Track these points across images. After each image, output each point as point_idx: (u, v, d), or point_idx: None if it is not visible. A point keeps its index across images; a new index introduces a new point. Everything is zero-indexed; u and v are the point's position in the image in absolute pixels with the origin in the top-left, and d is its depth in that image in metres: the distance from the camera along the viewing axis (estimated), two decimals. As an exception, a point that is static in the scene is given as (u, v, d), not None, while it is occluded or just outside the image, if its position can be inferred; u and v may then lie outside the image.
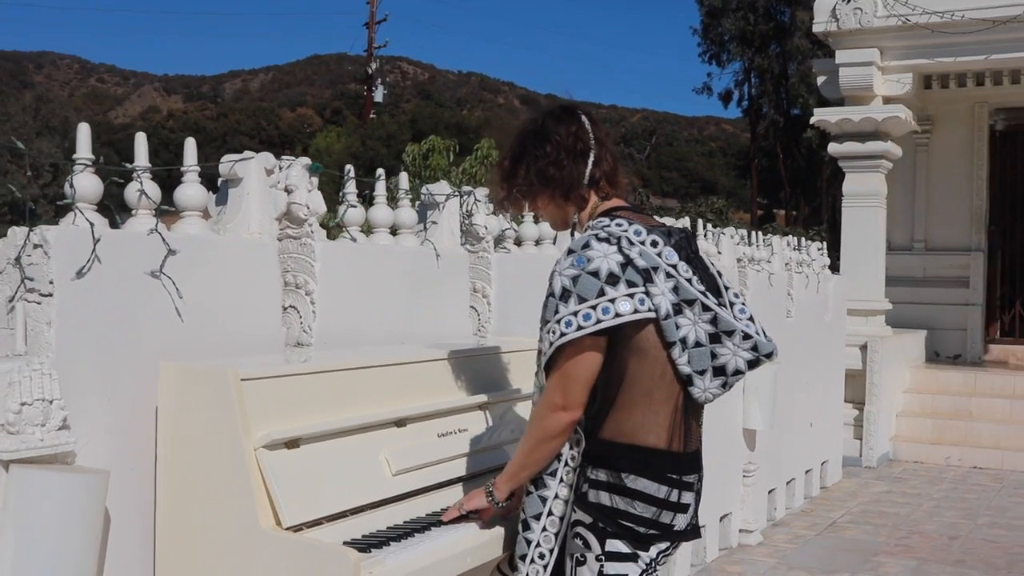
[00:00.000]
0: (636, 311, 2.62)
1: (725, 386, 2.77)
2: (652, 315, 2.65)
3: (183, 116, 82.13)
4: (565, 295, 2.64)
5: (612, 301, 2.61)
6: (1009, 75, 11.57)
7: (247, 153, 3.28)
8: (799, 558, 6.67)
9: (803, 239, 8.80)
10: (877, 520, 7.81)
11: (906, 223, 12.49)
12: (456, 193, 4.18)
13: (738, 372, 2.75)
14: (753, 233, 7.71)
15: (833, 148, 10.64)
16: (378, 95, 53.74)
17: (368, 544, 2.71)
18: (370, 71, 50.58)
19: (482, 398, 3.49)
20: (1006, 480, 9.49)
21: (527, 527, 2.81)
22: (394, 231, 3.96)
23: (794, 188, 52.76)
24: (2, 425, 2.46)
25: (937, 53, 10.27)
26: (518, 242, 4.71)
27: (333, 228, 3.91)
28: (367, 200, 3.94)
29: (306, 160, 3.40)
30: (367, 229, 3.87)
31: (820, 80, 10.88)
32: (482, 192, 4.34)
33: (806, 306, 8.14)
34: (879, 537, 7.31)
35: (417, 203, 4.14)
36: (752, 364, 2.76)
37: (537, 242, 4.80)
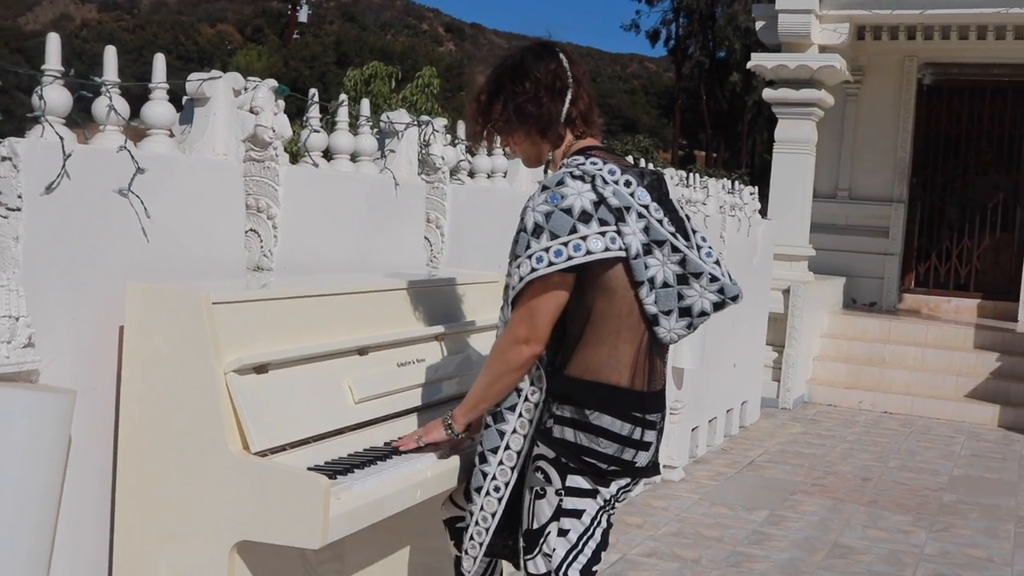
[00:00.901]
0: (607, 249, 2.66)
1: (690, 327, 2.82)
2: (622, 254, 2.68)
3: (98, 26, 79.45)
4: (537, 231, 2.66)
5: (584, 238, 2.64)
6: (940, 30, 11.78)
7: (214, 72, 3.21)
8: (721, 495, 6.86)
9: (736, 183, 8.92)
10: (794, 460, 8.06)
11: (831, 171, 12.72)
12: (415, 122, 4.15)
13: (703, 313, 2.81)
14: (690, 175, 7.79)
15: (768, 94, 10.75)
16: (302, 15, 52.61)
17: (333, 471, 2.72)
18: (294, -11, 49.38)
19: (439, 329, 3.50)
20: (915, 425, 9.85)
21: (484, 460, 2.85)
22: (352, 158, 3.92)
23: (716, 131, 53.26)
24: (-32, 341, 2.41)
25: (875, 4, 10.40)
26: (471, 174, 4.70)
27: (294, 153, 3.86)
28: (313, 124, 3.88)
29: (273, 82, 3.34)
30: (327, 155, 3.83)
31: (759, 25, 10.95)
32: (440, 122, 4.32)
33: (737, 249, 8.27)
34: (796, 476, 7.55)
35: (375, 130, 4.09)
36: (717, 306, 2.82)
37: (490, 175, 4.80)
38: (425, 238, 4.28)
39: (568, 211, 2.64)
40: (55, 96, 2.66)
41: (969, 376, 10.50)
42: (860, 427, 9.62)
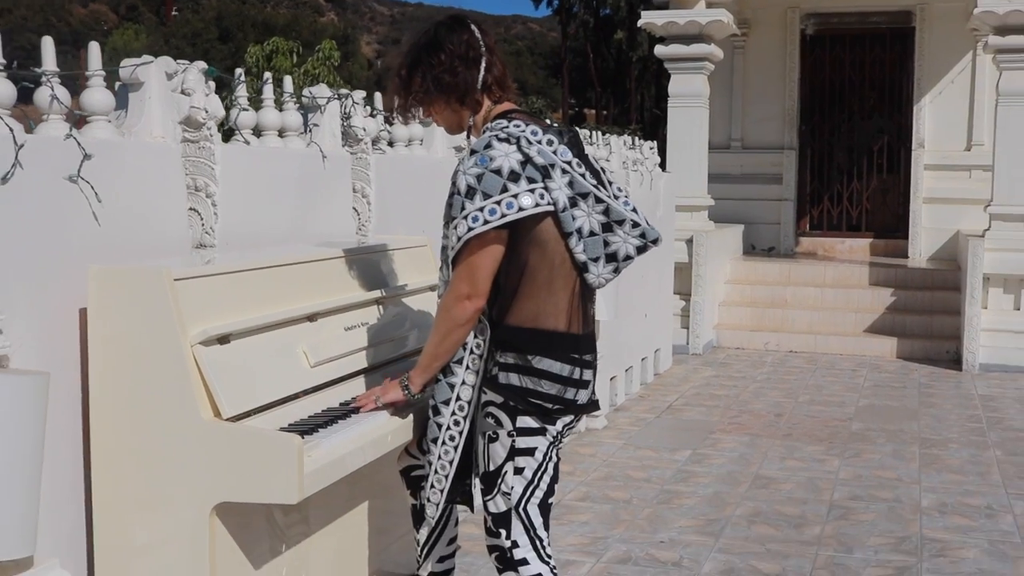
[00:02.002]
0: (537, 205, 2.85)
1: (616, 271, 3.04)
2: (551, 208, 2.88)
3: (-37, 11, 76.33)
4: (470, 192, 2.83)
5: (515, 196, 2.82)
6: (819, -19, 12.21)
7: (145, 57, 3.29)
8: (644, 439, 7.15)
9: (635, 138, 9.18)
10: (709, 402, 8.40)
11: (724, 123, 13.08)
12: (336, 96, 4.26)
13: (628, 258, 3.03)
14: (593, 133, 8.02)
15: (659, 50, 11.02)
16: (180, -9, 51.34)
17: (300, 431, 2.86)
18: (171, -35, 48.23)
19: (378, 293, 3.65)
20: (819, 362, 10.30)
21: (437, 412, 3.02)
22: (279, 134, 4.02)
23: (604, 88, 53.82)
24: (-60, 330, 2.48)
25: (757, -41, 10.72)
26: (390, 143, 4.83)
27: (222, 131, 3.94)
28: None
29: (202, 64, 3.43)
30: (256, 132, 3.92)
31: (647, -17, 11.21)
32: (359, 95, 4.43)
33: (641, 203, 8.43)
34: (713, 417, 7.88)
35: (298, 105, 4.19)
36: (640, 250, 3.04)
37: (408, 143, 4.93)
38: (353, 208, 4.40)
39: (498, 172, 2.82)
40: (2, 88, 2.73)
41: (867, 312, 10.99)
42: (768, 367, 10.02)
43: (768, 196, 13.04)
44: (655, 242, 3.03)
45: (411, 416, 3.20)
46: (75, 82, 3.41)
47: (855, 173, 13.30)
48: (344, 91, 4.36)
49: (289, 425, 2.93)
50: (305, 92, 4.19)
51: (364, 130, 4.34)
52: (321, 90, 4.23)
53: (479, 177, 2.82)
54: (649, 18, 10.90)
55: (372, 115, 4.52)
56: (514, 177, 2.82)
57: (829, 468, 6.47)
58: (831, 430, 7.49)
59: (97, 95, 3.08)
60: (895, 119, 13.12)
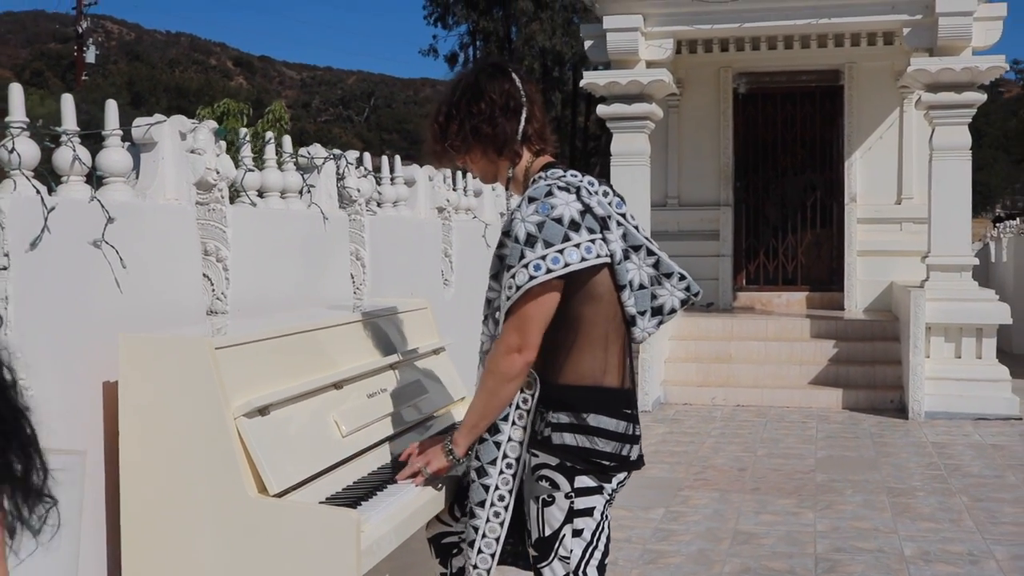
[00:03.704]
0: (598, 256, 2.78)
1: (659, 324, 2.99)
2: (608, 260, 2.81)
3: None
4: (531, 240, 2.74)
5: (577, 246, 2.75)
6: (750, 42, 12.47)
7: (158, 116, 3.16)
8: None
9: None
10: (670, 459, 8.35)
11: (660, 180, 13.21)
12: (332, 156, 4.16)
13: (672, 311, 2.98)
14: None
15: (602, 110, 11.10)
16: (90, 55, 50.69)
17: (341, 504, 2.73)
18: (80, 29, 47.61)
19: (394, 358, 3.54)
20: (768, 415, 10.34)
21: (483, 473, 2.90)
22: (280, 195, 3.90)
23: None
24: (-29, 408, 2.30)
25: (696, 20, 10.90)
26: (379, 204, 4.73)
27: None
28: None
29: (212, 124, 3.31)
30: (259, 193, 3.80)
31: (587, 44, 11.30)
32: (353, 155, 4.34)
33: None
34: (678, 474, 7.83)
35: (295, 166, 4.08)
36: (683, 303, 3.00)
37: (395, 203, 4.84)
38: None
39: (559, 220, 2.74)
40: (25, 148, 2.58)
41: (810, 364, 11.10)
42: (719, 421, 10.02)
43: (706, 252, 13.16)
44: (696, 295, 3.00)
45: (440, 483, 3.08)
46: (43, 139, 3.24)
47: (789, 228, 13.53)
48: (337, 151, 4.26)
49: (328, 498, 2.79)
50: (302, 151, 4.08)
51: (359, 191, 4.24)
52: (317, 149, 4.13)
53: (540, 225, 2.74)
54: (592, 78, 10.99)
55: (364, 175, 4.42)
56: (575, 227, 2.75)
57: (805, 521, 6.45)
58: (797, 482, 7.48)
59: (114, 155, 2.94)
60: (826, 174, 13.40)
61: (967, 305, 10.09)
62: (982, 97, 10.21)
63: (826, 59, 12.85)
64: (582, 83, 11.11)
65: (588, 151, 37.00)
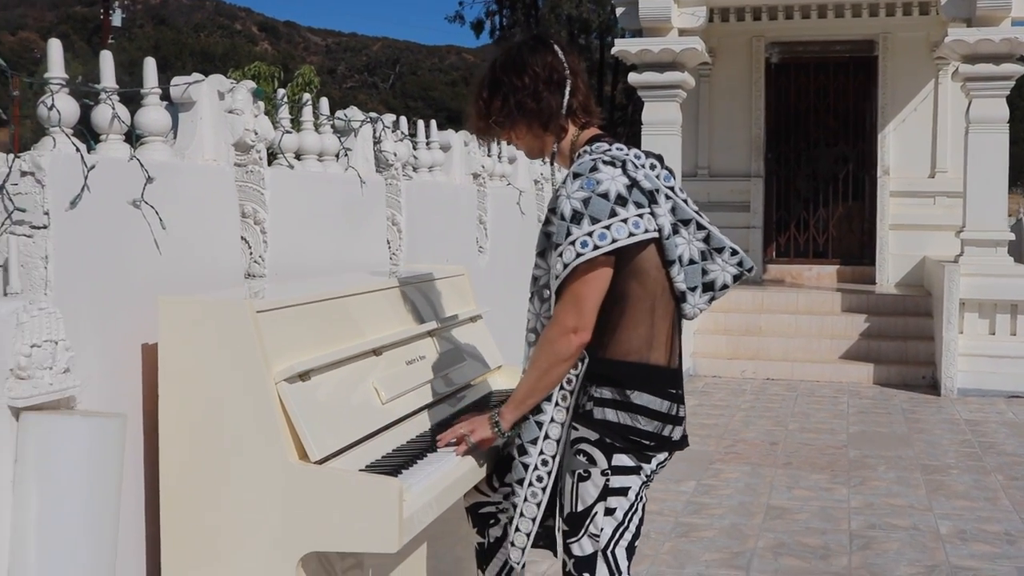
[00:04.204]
0: (646, 230, 2.70)
1: (711, 300, 2.92)
2: (657, 235, 2.74)
3: None
4: (576, 217, 2.67)
5: (624, 221, 2.67)
6: (784, 10, 12.29)
7: (196, 75, 3.09)
8: (645, 470, 6.99)
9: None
10: (701, 432, 8.27)
11: (691, 151, 13.07)
12: (368, 119, 4.08)
13: (724, 287, 2.91)
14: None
15: (633, 78, 10.96)
16: (116, 19, 50.73)
17: (381, 472, 2.67)
18: (107, -7, 47.52)
19: (432, 325, 3.48)
20: (798, 389, 10.25)
21: (523, 452, 2.84)
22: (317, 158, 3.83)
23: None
24: (11, 370, 2.26)
25: (729, -13, 10.75)
26: (414, 169, 4.66)
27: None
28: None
29: (251, 83, 3.24)
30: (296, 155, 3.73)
31: (619, 11, 11.15)
32: (389, 118, 4.26)
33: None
34: (708, 447, 7.76)
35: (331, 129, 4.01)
36: (736, 278, 2.92)
37: (430, 168, 4.76)
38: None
39: (605, 195, 2.67)
40: (65, 105, 2.52)
41: (841, 339, 10.99)
42: (749, 395, 9.95)
43: (736, 224, 13.01)
44: (750, 270, 2.91)
45: (485, 453, 3.02)
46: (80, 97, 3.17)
47: (820, 200, 13.37)
48: (374, 115, 4.18)
49: (367, 466, 2.73)
50: (339, 114, 4.00)
51: (395, 155, 4.17)
52: (354, 112, 4.05)
53: (586, 201, 2.66)
54: (623, 46, 10.85)
55: (401, 140, 4.35)
56: (621, 201, 2.67)
57: (839, 497, 6.37)
58: (829, 458, 7.41)
59: (152, 114, 2.88)
60: (859, 146, 13.23)
61: (1002, 281, 9.94)
62: (1021, 69, 10.02)
63: (860, 29, 12.65)
64: (613, 50, 10.97)
65: (615, 121, 36.75)
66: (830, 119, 13.30)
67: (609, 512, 2.82)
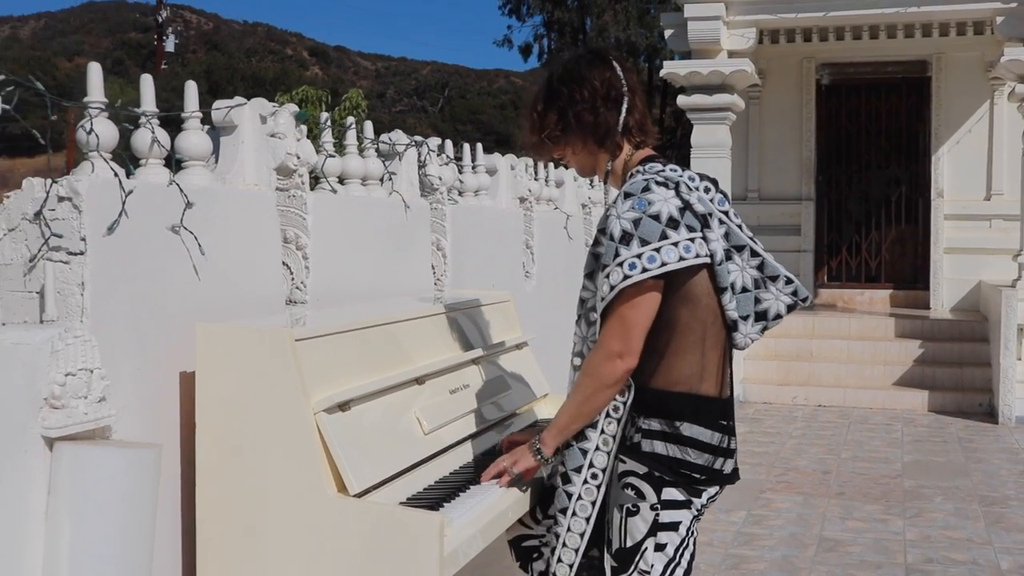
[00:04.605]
0: (697, 255, 2.61)
1: (763, 330, 2.82)
2: (708, 260, 2.65)
3: (-52, 66, 76.31)
4: (626, 238, 2.58)
5: (675, 244, 2.58)
6: (835, 31, 12.13)
7: (238, 99, 3.05)
8: (694, 499, 6.85)
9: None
10: (751, 460, 8.12)
11: (740, 173, 12.93)
12: (413, 142, 4.03)
13: (778, 316, 2.81)
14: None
15: (682, 100, 10.86)
16: (169, 44, 51.52)
17: (422, 505, 2.60)
18: (160, 19, 48.30)
19: (476, 352, 3.41)
20: (851, 416, 10.04)
21: (567, 480, 2.75)
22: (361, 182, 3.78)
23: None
24: (45, 399, 2.21)
25: (779, 8, 10.62)
26: (460, 193, 4.60)
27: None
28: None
29: (293, 107, 3.20)
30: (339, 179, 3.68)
31: (667, 33, 11.06)
32: (434, 142, 4.21)
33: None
34: (759, 475, 7.60)
35: (376, 152, 3.96)
36: (790, 308, 2.82)
37: (476, 192, 4.70)
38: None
39: (656, 217, 2.58)
40: (104, 130, 2.49)
41: (895, 364, 10.77)
42: (801, 422, 9.76)
43: (786, 247, 12.84)
44: (804, 300, 2.81)
45: (529, 485, 2.93)
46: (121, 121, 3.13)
47: (872, 223, 13.15)
48: (419, 138, 4.13)
49: (408, 499, 2.66)
50: (383, 138, 3.95)
51: (440, 179, 4.11)
52: (399, 136, 4.00)
53: (636, 222, 2.57)
54: (672, 68, 10.76)
55: (447, 163, 4.29)
56: (673, 224, 2.58)
57: (894, 529, 6.20)
58: (883, 488, 7.22)
59: (193, 138, 2.83)
60: (911, 168, 13.01)
61: (1062, 306, 9.68)
62: (1081, 89, 9.80)
63: (913, 49, 12.46)
64: (662, 72, 10.88)
65: (664, 143, 36.58)
66: (882, 141, 13.10)
67: (659, 548, 2.72)
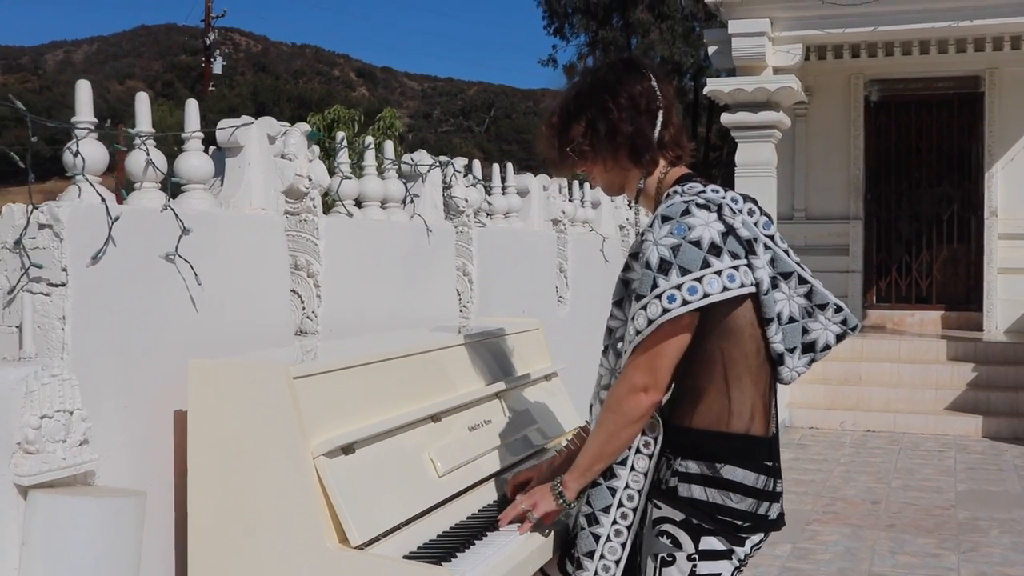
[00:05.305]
0: (742, 285, 2.39)
1: (811, 363, 2.60)
2: (753, 290, 2.43)
3: (3, 87, 77.59)
4: (664, 267, 2.36)
5: (718, 273, 2.36)
6: (884, 47, 11.84)
7: (245, 118, 2.88)
8: (738, 531, 6.59)
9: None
10: (798, 488, 7.83)
11: (786, 192, 12.63)
12: (438, 163, 3.85)
13: (827, 347, 2.60)
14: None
15: (726, 118, 10.62)
16: (217, 67, 52.06)
17: (433, 556, 2.40)
18: (208, 41, 48.81)
19: (500, 386, 3.20)
20: (901, 442, 9.71)
21: (594, 521, 2.54)
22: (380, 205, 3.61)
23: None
24: (19, 444, 2.04)
25: (825, 24, 10.35)
26: (488, 215, 4.41)
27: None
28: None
29: (305, 126, 3.03)
30: (356, 203, 3.51)
31: (711, 50, 10.84)
32: (460, 162, 4.03)
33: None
34: (805, 505, 7.32)
35: (398, 174, 3.78)
36: (839, 338, 2.60)
37: (506, 215, 4.51)
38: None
39: (697, 243, 2.36)
40: (92, 152, 2.32)
41: (947, 389, 10.42)
42: (849, 448, 9.45)
43: (834, 268, 12.50)
44: (854, 329, 2.58)
45: (553, 531, 2.72)
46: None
47: (923, 243, 12.79)
48: (444, 158, 3.95)
49: (419, 548, 2.46)
50: (406, 158, 3.78)
51: (466, 201, 3.92)
52: (422, 156, 3.82)
53: (675, 249, 2.35)
54: (716, 85, 10.52)
55: (473, 184, 4.10)
56: (715, 251, 2.36)
57: (948, 564, 5.90)
58: (936, 519, 6.91)
59: (193, 160, 2.66)
60: (964, 187, 12.64)
61: (1123, 329, 9.31)
62: None
63: (965, 64, 12.11)
64: (706, 90, 10.65)
65: (709, 162, 36.22)
66: (933, 159, 12.74)
67: None
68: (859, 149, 12.66)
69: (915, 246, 12.83)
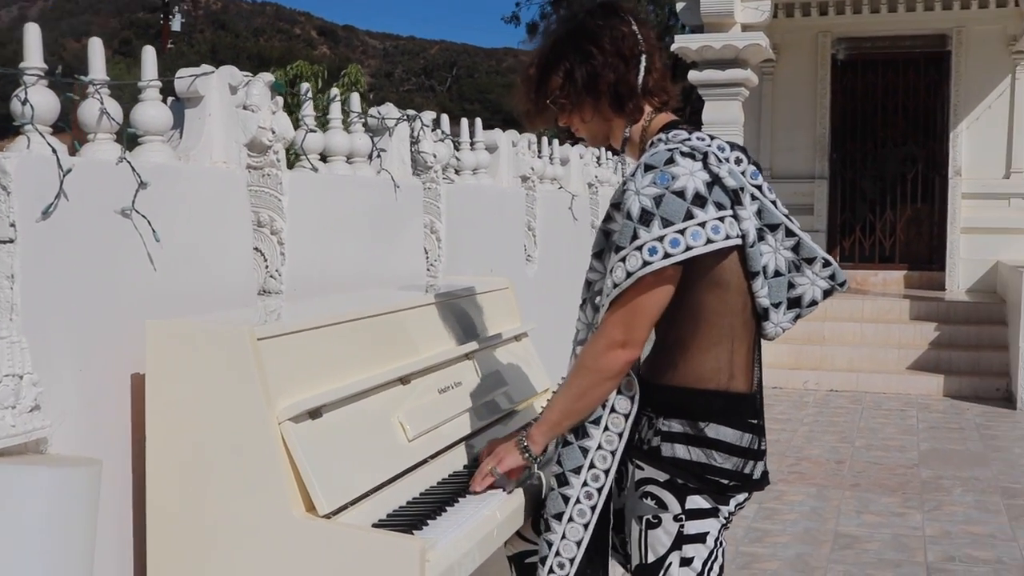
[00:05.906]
0: (727, 237, 2.30)
1: (796, 319, 2.54)
2: (739, 242, 2.34)
3: (-46, 43, 75.85)
4: (646, 217, 2.27)
5: (702, 225, 2.27)
6: (852, 4, 11.79)
7: (206, 67, 2.75)
8: (704, 491, 6.58)
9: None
10: (763, 448, 7.83)
11: (752, 151, 12.52)
12: (405, 117, 3.73)
13: (813, 303, 2.54)
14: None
15: (693, 76, 10.50)
16: (176, 24, 51.15)
17: (403, 524, 2.32)
18: (166, -1, 47.91)
19: (471, 346, 3.12)
20: (864, 401, 9.75)
21: (564, 482, 2.47)
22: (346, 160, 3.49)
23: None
24: (-34, 409, 1.93)
25: (795, -20, 10.27)
26: (456, 171, 4.30)
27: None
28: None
29: (268, 76, 2.90)
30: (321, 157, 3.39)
31: (679, 6, 10.73)
32: (429, 116, 3.91)
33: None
34: (771, 466, 7.18)
35: (364, 127, 3.66)
36: (827, 293, 2.54)
37: (474, 171, 4.40)
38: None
39: (680, 193, 2.27)
40: (41, 100, 2.19)
41: (909, 348, 10.47)
42: (812, 407, 9.48)
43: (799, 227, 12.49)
44: (842, 285, 2.52)
45: (521, 494, 2.65)
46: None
47: (887, 202, 12.81)
48: (412, 112, 3.83)
49: (388, 516, 2.37)
50: (373, 112, 3.65)
51: (435, 156, 3.81)
52: (389, 110, 3.70)
53: (658, 199, 2.26)
54: (683, 42, 10.40)
55: (442, 140, 3.98)
56: (700, 201, 2.27)
57: (912, 523, 5.91)
58: (900, 478, 6.93)
59: (151, 110, 2.53)
60: (928, 146, 12.65)
61: (1085, 289, 9.36)
62: (1108, 63, 9.44)
63: (932, 23, 12.09)
64: (673, 47, 10.51)
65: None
66: (899, 118, 12.74)
67: (685, 563, 2.44)
68: (825, 108, 12.63)
69: (879, 206, 12.85)
